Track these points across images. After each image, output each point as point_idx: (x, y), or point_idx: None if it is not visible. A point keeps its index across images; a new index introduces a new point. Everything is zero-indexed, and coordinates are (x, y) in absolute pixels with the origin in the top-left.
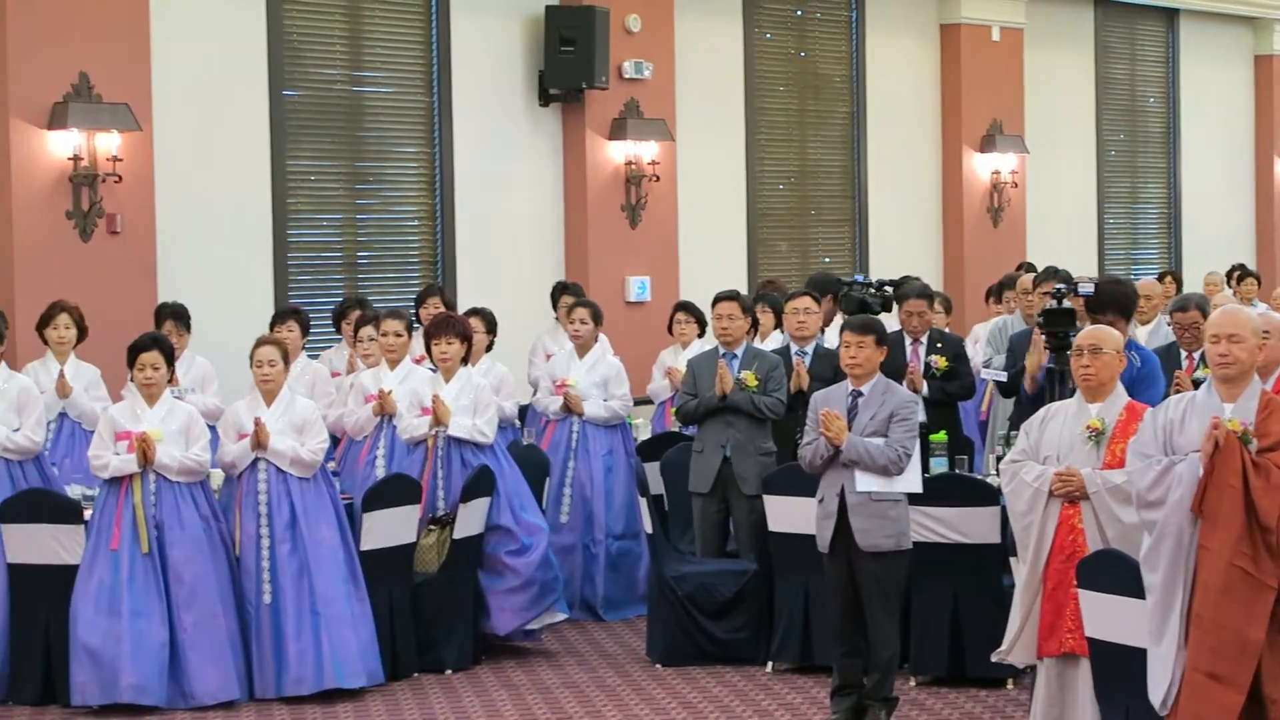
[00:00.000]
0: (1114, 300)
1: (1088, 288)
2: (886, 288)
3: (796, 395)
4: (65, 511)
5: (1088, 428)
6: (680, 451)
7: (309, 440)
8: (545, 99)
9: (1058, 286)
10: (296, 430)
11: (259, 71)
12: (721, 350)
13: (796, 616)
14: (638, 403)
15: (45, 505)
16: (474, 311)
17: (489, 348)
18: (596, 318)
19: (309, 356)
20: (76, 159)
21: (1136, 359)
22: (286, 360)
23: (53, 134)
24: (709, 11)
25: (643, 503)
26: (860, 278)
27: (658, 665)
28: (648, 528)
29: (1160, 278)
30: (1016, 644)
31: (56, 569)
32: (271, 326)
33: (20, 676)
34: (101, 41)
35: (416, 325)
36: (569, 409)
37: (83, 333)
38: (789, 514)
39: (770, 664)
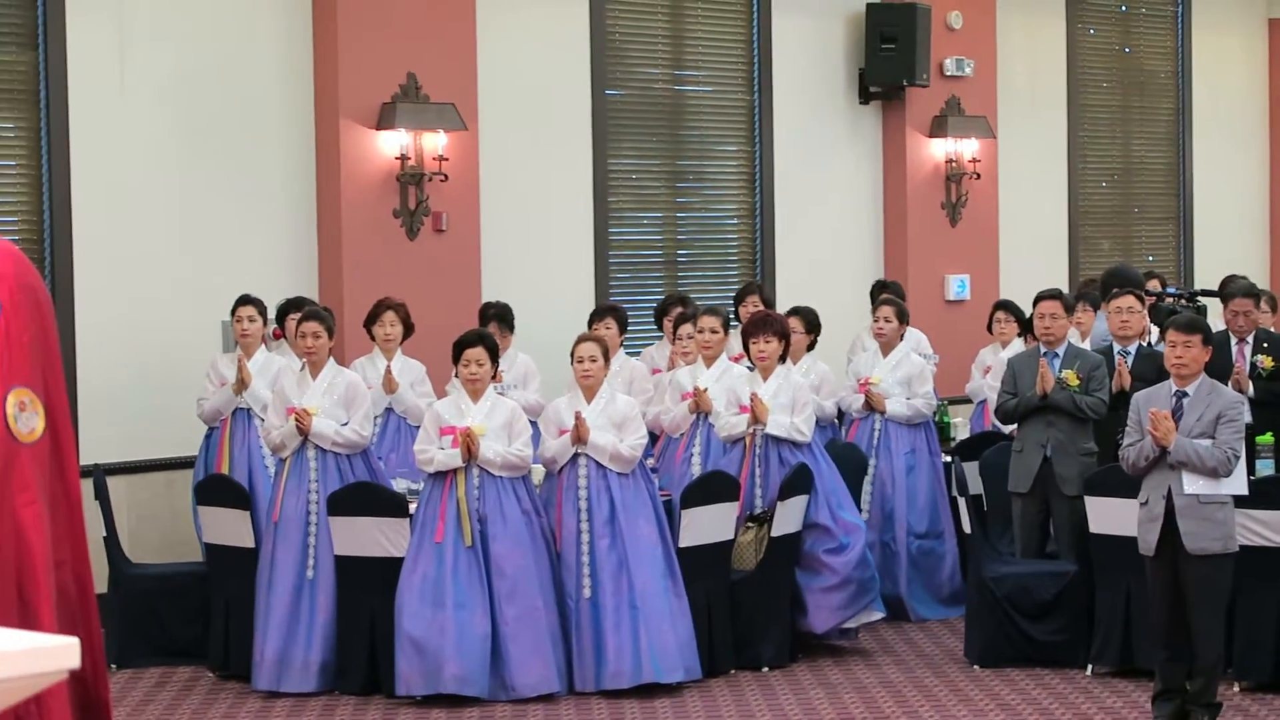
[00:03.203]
0: None
1: None
2: (1200, 298)
3: (1118, 395)
4: (391, 505)
5: None
6: (999, 451)
7: (628, 436)
8: (865, 97)
9: None
10: (616, 426)
11: (582, 71)
12: (1043, 349)
13: (1117, 619)
14: (955, 401)
15: (372, 499)
16: (795, 311)
17: (810, 347)
18: (901, 316)
19: (628, 353)
20: (404, 158)
21: None
22: (607, 357)
23: (381, 134)
24: (1031, 7)
25: (961, 502)
26: (1174, 289)
27: (975, 666)
28: (966, 528)
29: None
30: None
31: (382, 561)
32: (590, 324)
33: (346, 666)
34: (429, 43)
35: (735, 323)
36: (871, 407)
37: (409, 329)
38: (1111, 515)
39: (1090, 667)
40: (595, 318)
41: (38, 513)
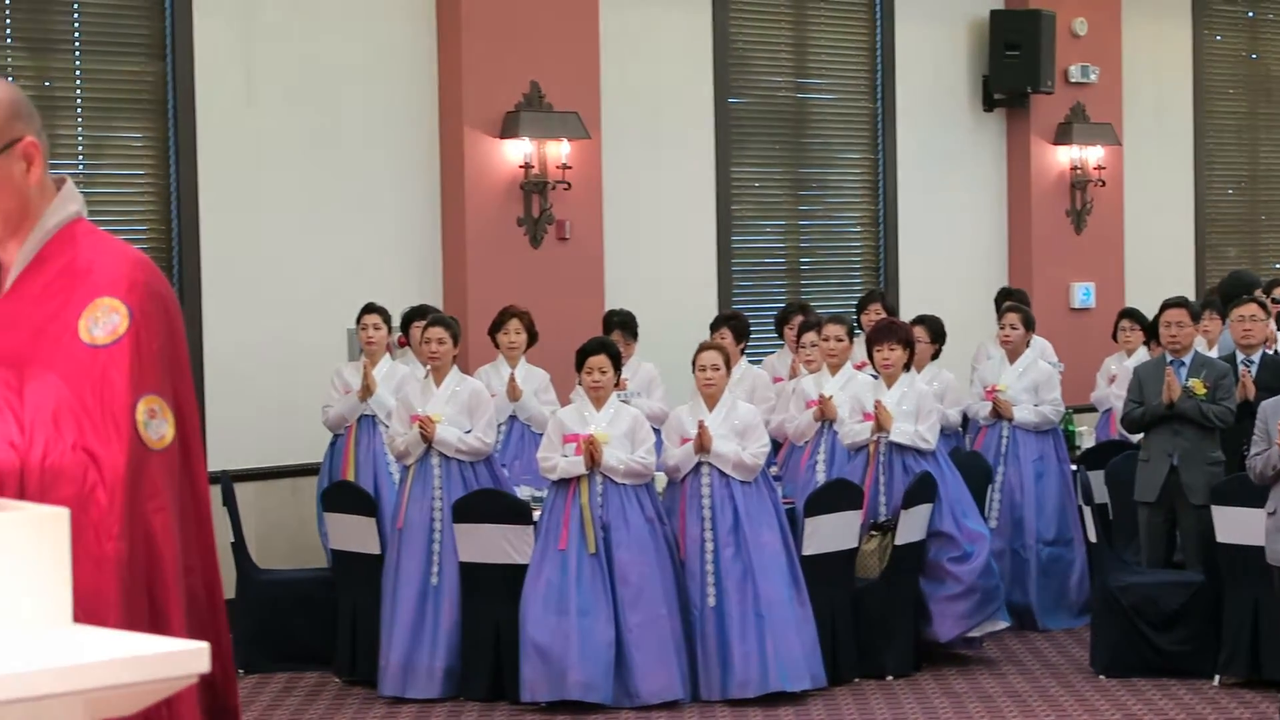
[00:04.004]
0: None
1: None
2: None
3: (1243, 405)
4: (515, 512)
5: None
6: (1125, 460)
7: (751, 444)
8: (989, 104)
9: None
10: (738, 434)
11: (705, 79)
12: (1169, 358)
13: (1245, 629)
14: (1080, 410)
15: (496, 506)
16: (920, 319)
17: (935, 356)
18: (1027, 323)
19: (749, 361)
20: (528, 167)
21: None
22: (729, 365)
23: (505, 142)
24: (1157, 14)
25: (1086, 511)
26: None
27: (1101, 676)
28: (1091, 537)
29: None
30: None
31: (506, 568)
32: (711, 332)
33: (471, 673)
34: (552, 51)
35: (858, 331)
36: (998, 414)
37: (533, 337)
38: (1238, 525)
39: (1217, 677)
40: (713, 327)
41: (167, 519)
